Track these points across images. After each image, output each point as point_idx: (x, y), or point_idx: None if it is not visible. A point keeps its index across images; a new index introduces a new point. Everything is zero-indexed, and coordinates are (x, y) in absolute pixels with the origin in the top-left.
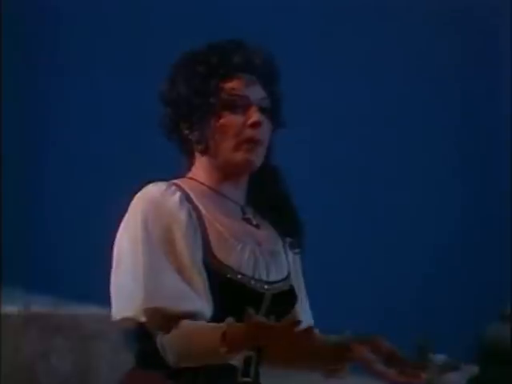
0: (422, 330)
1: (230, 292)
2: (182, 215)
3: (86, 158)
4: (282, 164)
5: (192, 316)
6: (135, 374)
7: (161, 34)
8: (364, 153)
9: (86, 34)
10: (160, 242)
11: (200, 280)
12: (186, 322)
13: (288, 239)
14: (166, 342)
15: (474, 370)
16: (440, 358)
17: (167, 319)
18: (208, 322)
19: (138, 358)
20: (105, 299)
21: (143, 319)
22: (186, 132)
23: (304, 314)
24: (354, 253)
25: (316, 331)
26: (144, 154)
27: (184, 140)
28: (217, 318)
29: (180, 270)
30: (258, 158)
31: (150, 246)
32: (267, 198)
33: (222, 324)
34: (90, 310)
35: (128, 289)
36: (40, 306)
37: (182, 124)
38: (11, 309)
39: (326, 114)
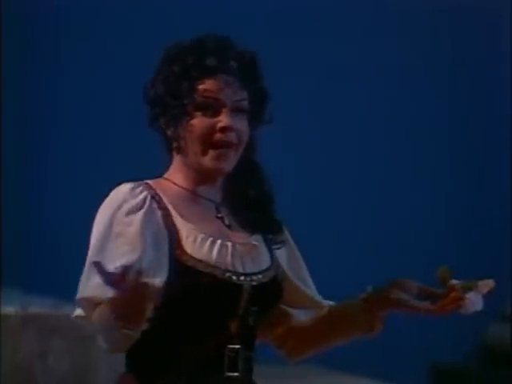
0: (422, 325)
1: (204, 285)
2: (139, 214)
3: (85, 159)
4: (283, 164)
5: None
6: (123, 378)
7: (161, 33)
8: (364, 154)
9: (86, 34)
10: (110, 236)
11: (154, 264)
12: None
13: (269, 236)
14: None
15: (489, 283)
16: (457, 282)
17: (95, 307)
18: (184, 318)
19: (126, 361)
20: None
21: (80, 312)
22: (164, 128)
23: (317, 295)
24: (353, 253)
25: (331, 303)
26: (144, 155)
27: (163, 136)
28: (195, 313)
29: (126, 257)
30: (227, 164)
31: (99, 241)
32: (245, 195)
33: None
34: None
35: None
36: (38, 306)
37: (161, 120)
38: (9, 309)
39: (325, 115)
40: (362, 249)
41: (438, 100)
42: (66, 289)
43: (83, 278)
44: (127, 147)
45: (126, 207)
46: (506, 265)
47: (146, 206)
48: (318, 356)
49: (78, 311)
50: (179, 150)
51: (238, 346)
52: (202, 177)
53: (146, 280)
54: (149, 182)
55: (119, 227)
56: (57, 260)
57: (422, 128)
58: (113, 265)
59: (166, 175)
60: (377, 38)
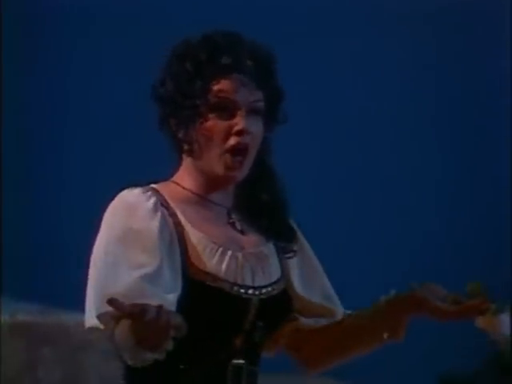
0: (425, 340)
1: (211, 300)
2: (155, 221)
3: (85, 161)
4: (282, 165)
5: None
6: None
7: (164, 31)
8: (363, 152)
9: (86, 34)
10: (123, 244)
11: (168, 277)
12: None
13: (280, 244)
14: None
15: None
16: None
17: (117, 321)
18: (191, 333)
19: (125, 374)
20: None
21: (101, 326)
22: (175, 129)
23: (339, 306)
24: (352, 254)
25: (348, 312)
26: (148, 157)
27: (173, 137)
28: (201, 328)
29: (145, 268)
30: (241, 173)
31: (114, 249)
32: (258, 200)
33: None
34: (79, 318)
35: (89, 298)
36: (27, 314)
37: (171, 120)
38: None
39: (324, 115)
40: (360, 251)
41: (437, 100)
42: (54, 295)
43: (102, 286)
44: (129, 150)
45: (141, 212)
46: (506, 265)
47: (159, 212)
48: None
49: (93, 322)
50: (191, 153)
51: (242, 362)
52: (213, 181)
53: (169, 312)
54: (155, 186)
55: (136, 235)
56: (44, 265)
57: (420, 127)
58: (130, 276)
59: (174, 178)
60: (376, 38)
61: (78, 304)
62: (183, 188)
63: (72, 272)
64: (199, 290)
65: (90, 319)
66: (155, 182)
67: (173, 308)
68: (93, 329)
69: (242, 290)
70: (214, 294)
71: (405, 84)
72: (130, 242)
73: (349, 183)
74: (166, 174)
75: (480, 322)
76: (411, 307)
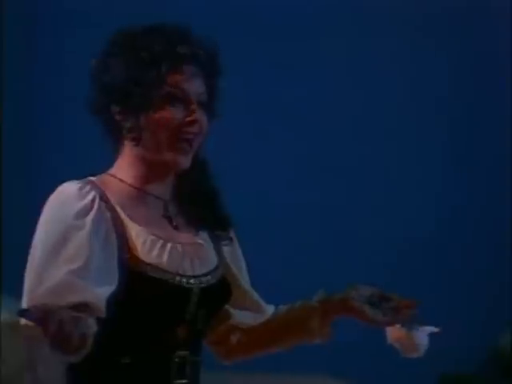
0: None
1: (153, 291)
2: (90, 216)
3: (86, 162)
4: (282, 165)
5: (81, 308)
6: None
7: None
8: (361, 152)
9: (88, 34)
10: (58, 240)
11: (101, 271)
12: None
13: (217, 232)
14: None
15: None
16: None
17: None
18: (133, 326)
19: (67, 372)
20: None
21: (27, 322)
22: (118, 117)
23: (260, 299)
24: (351, 256)
25: (272, 307)
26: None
27: (113, 125)
28: (143, 320)
29: (74, 263)
30: (187, 159)
31: (46, 245)
32: (194, 192)
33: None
34: None
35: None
36: None
37: (113, 107)
38: None
39: (324, 115)
40: (360, 252)
41: (436, 100)
42: None
43: (31, 282)
44: None
45: (75, 209)
46: None
47: (95, 208)
48: (323, 364)
49: (24, 320)
50: (137, 142)
51: (185, 352)
52: (154, 172)
53: (75, 321)
54: (93, 179)
55: (68, 231)
56: None
57: (419, 127)
58: (58, 271)
59: (110, 171)
60: (375, 41)
61: None
62: (120, 181)
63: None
64: (140, 282)
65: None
66: (93, 175)
67: (102, 302)
68: (25, 327)
69: (184, 280)
70: (157, 285)
71: (405, 84)
72: (61, 237)
73: (349, 182)
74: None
75: (393, 335)
76: (340, 309)
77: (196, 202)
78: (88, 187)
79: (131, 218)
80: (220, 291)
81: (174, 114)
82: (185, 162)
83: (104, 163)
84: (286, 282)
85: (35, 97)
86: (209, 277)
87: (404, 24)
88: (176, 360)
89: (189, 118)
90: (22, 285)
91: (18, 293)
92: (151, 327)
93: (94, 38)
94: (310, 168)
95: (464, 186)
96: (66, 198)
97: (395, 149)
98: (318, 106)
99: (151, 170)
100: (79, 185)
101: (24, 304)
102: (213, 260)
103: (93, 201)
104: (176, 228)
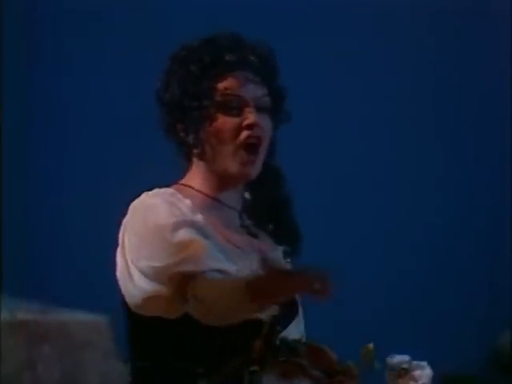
0: (425, 341)
1: None
2: (198, 217)
3: (86, 163)
4: (281, 164)
5: (217, 272)
6: None
7: (166, 33)
8: (363, 151)
9: (86, 33)
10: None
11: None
12: (211, 275)
13: (284, 247)
14: (198, 297)
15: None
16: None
17: (190, 276)
18: (213, 337)
19: (133, 379)
20: (95, 306)
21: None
22: (182, 135)
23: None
24: (351, 257)
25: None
26: (147, 160)
27: (181, 143)
28: (224, 332)
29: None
30: (255, 169)
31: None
32: (265, 203)
33: (243, 277)
34: (80, 317)
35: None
36: (26, 313)
37: (178, 126)
38: None
39: (324, 115)
40: (362, 253)
41: (436, 99)
42: (54, 294)
43: (165, 254)
44: (131, 150)
45: (179, 211)
46: None
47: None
48: None
49: (148, 287)
50: (203, 157)
51: (257, 368)
52: (225, 183)
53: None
54: (172, 188)
55: (186, 232)
56: (44, 264)
57: (419, 127)
58: (207, 267)
59: (184, 181)
60: (375, 37)
61: (78, 303)
62: (197, 191)
63: (72, 271)
64: None
65: (144, 285)
66: (166, 186)
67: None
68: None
69: None
70: None
71: (404, 84)
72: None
73: (350, 182)
74: (167, 175)
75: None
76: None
77: (267, 214)
78: (178, 195)
79: (215, 229)
80: (292, 305)
81: (230, 121)
82: (251, 171)
83: (104, 163)
84: None
85: (35, 97)
86: None
87: (404, 24)
88: (248, 374)
89: (246, 122)
90: (21, 285)
91: (18, 293)
92: (230, 340)
93: (94, 38)
94: (310, 168)
95: (464, 186)
96: (169, 201)
97: (395, 149)
98: (318, 105)
99: (222, 181)
100: (170, 191)
101: (158, 274)
102: None
103: (192, 205)
104: (256, 236)
